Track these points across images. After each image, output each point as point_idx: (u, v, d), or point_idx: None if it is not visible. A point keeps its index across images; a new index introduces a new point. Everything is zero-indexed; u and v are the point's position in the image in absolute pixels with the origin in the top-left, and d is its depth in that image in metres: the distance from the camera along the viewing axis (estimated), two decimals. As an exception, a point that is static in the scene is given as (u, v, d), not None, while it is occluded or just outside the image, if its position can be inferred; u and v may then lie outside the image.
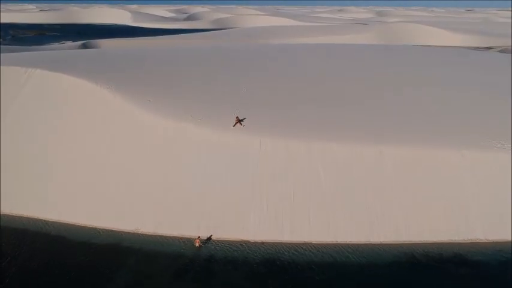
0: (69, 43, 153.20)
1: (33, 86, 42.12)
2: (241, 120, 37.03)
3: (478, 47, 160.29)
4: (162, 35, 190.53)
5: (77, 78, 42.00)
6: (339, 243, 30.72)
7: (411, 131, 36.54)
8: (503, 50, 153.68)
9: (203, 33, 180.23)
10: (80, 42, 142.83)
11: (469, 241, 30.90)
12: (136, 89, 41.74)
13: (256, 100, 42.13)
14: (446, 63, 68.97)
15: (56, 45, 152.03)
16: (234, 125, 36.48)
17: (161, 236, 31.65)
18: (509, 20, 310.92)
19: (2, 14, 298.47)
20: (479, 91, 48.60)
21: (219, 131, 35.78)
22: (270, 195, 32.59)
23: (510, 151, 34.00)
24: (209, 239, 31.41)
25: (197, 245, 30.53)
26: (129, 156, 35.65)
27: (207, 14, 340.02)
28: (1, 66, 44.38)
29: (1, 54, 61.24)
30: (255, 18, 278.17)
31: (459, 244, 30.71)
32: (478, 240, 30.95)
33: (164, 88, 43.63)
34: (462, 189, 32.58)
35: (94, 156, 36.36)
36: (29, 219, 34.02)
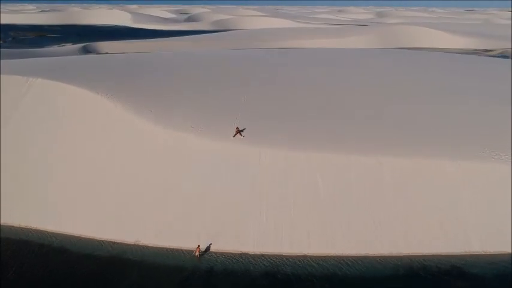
0: (69, 46, 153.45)
1: (34, 95, 42.36)
2: (241, 130, 37.26)
3: (477, 50, 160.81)
4: (163, 36, 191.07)
5: (78, 88, 42.25)
6: (338, 256, 30.93)
7: (409, 141, 36.76)
8: (502, 53, 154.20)
9: (203, 35, 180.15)
10: (80, 45, 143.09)
11: (466, 253, 31.11)
12: (137, 98, 42.00)
13: (256, 110, 42.36)
14: (445, 70, 69.29)
15: (56, 47, 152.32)
16: (234, 136, 36.72)
17: (161, 248, 31.83)
18: (509, 22, 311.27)
19: (2, 15, 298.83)
20: (479, 99, 48.84)
21: (220, 142, 36.02)
22: (269, 206, 32.84)
23: (509, 162, 34.16)
24: (209, 247, 31.67)
25: (197, 253, 30.80)
26: (129, 167, 35.90)
27: (207, 15, 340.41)
28: (2, 75, 44.56)
29: (2, 60, 61.49)
30: (255, 20, 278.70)
31: (456, 256, 30.91)
32: (475, 253, 31.15)
33: (164, 96, 43.86)
34: (459, 201, 32.81)
35: (94, 167, 36.60)
36: (28, 230, 34.20)
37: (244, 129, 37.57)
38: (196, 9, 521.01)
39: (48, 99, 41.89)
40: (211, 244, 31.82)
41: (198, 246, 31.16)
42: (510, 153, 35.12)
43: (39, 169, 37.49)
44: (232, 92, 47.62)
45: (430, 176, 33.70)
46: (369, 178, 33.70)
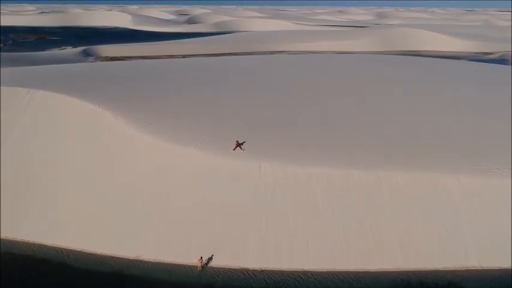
0: (70, 49, 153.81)
1: (36, 107, 42.67)
2: (241, 144, 37.52)
3: (477, 53, 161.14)
4: (163, 39, 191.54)
5: (79, 100, 42.57)
6: (337, 271, 31.20)
7: (407, 154, 36.98)
8: (502, 56, 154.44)
9: (203, 38, 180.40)
10: (80, 49, 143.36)
11: (464, 268, 31.36)
12: (137, 110, 42.33)
13: (256, 121, 42.60)
14: (445, 78, 69.47)
15: (56, 51, 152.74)
16: (234, 149, 37.00)
17: (162, 263, 32.12)
18: (509, 23, 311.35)
19: (2, 17, 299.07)
20: (479, 111, 48.94)
21: (220, 155, 36.30)
22: (269, 221, 33.12)
23: (508, 176, 34.40)
24: (211, 258, 32.04)
25: (199, 264, 31.20)
26: (130, 182, 36.17)
27: (208, 17, 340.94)
28: (5, 87, 44.87)
29: (2, 68, 61.78)
30: (255, 22, 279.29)
31: (454, 271, 31.17)
32: (473, 268, 31.41)
33: (165, 108, 44.19)
34: (458, 216, 33.06)
35: (95, 181, 36.88)
36: (29, 245, 34.50)
37: (244, 142, 37.83)
38: (196, 10, 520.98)
39: (49, 112, 42.23)
40: (213, 255, 32.18)
41: (201, 257, 31.55)
42: (508, 167, 35.37)
43: (40, 183, 37.77)
44: (232, 102, 47.90)
45: (428, 191, 33.93)
46: (368, 193, 33.95)
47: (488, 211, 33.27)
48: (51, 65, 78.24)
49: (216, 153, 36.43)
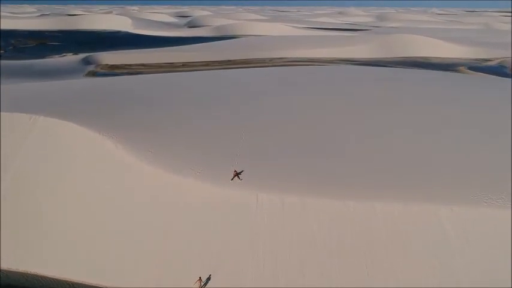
0: (70, 56, 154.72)
1: (37, 135, 43.38)
2: (239, 173, 38.23)
3: (477, 59, 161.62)
4: (164, 43, 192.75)
5: (80, 127, 43.30)
6: (332, 303, 31.91)
7: (402, 184, 37.56)
8: (501, 63, 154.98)
9: (203, 45, 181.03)
10: (81, 56, 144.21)
11: (457, 301, 32.00)
12: (136, 137, 43.01)
13: (254, 149, 43.20)
14: (441, 96, 69.78)
15: (57, 58, 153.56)
16: (232, 179, 37.69)
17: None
18: (509, 26, 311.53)
19: (2, 20, 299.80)
20: (476, 134, 49.07)
21: (218, 185, 36.96)
22: (266, 252, 33.78)
23: (501, 206, 34.93)
24: (209, 279, 32.96)
25: (197, 285, 32.04)
26: (129, 211, 36.86)
27: (209, 20, 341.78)
28: (7, 114, 45.60)
29: (3, 85, 62.55)
30: (256, 25, 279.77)
31: (447, 304, 31.83)
32: (466, 300, 32.04)
33: (164, 135, 44.82)
34: (452, 248, 33.62)
35: (95, 212, 37.59)
36: (28, 276, 35.15)
37: (242, 172, 38.54)
38: (196, 12, 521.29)
39: (51, 139, 42.94)
40: (210, 275, 33.03)
41: (200, 278, 32.41)
42: (501, 197, 35.95)
43: (40, 213, 38.48)
44: (231, 128, 48.43)
45: (422, 222, 34.56)
46: (363, 223, 34.59)
47: (483, 243, 33.78)
48: (51, 82, 78.71)
49: (214, 183, 37.10)
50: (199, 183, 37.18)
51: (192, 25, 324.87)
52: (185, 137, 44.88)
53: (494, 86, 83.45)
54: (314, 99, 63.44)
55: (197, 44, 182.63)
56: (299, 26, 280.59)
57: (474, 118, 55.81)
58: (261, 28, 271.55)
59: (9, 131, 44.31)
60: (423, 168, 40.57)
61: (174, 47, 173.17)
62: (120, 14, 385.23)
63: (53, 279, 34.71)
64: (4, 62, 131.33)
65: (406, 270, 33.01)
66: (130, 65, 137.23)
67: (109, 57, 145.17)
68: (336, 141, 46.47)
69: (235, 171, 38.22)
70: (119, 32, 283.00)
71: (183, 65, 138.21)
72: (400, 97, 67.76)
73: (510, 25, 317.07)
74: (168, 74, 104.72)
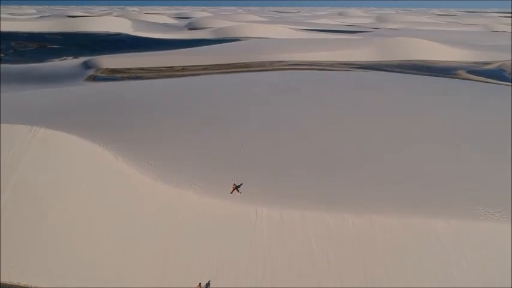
0: (70, 60, 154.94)
1: (37, 147, 43.67)
2: (238, 186, 38.51)
3: (477, 62, 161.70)
4: (165, 45, 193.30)
5: (80, 139, 43.60)
6: (330, 319, 32.17)
7: (399, 197, 37.81)
8: (500, 66, 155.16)
9: (204, 48, 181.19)
10: (80, 60, 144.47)
11: (454, 316, 32.25)
12: (137, 149, 43.31)
13: (253, 162, 43.47)
14: (439, 105, 70.06)
15: (57, 61, 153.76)
16: (231, 192, 37.96)
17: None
18: (509, 28, 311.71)
19: (3, 22, 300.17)
20: (476, 146, 49.24)
21: (217, 198, 37.23)
22: (266, 267, 34.02)
23: (498, 220, 35.19)
24: (208, 284, 33.33)
25: None
26: (128, 226, 37.10)
27: (209, 21, 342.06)
28: (8, 125, 45.92)
29: (3, 93, 62.84)
30: (256, 27, 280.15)
31: (445, 319, 32.08)
32: (463, 315, 32.30)
33: (164, 146, 45.13)
34: (450, 262, 33.88)
35: (95, 223, 37.83)
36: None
37: (241, 185, 38.81)
38: (196, 13, 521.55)
39: (51, 151, 43.19)
40: (210, 281, 33.33)
41: (199, 284, 32.78)
42: (499, 210, 36.21)
43: (41, 226, 38.74)
44: (230, 140, 48.67)
45: (420, 235, 34.81)
46: (362, 238, 34.86)
47: (484, 260, 33.95)
48: (51, 90, 78.92)
49: (213, 197, 37.37)
50: (198, 196, 37.43)
51: (192, 27, 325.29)
52: (185, 149, 45.15)
53: (493, 94, 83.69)
54: (314, 109, 63.77)
55: (197, 48, 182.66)
56: (299, 28, 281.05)
57: (472, 129, 56.23)
58: (261, 30, 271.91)
59: (9, 142, 44.60)
60: (420, 181, 40.87)
61: (174, 50, 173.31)
62: (120, 16, 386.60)
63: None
64: (4, 66, 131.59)
65: (404, 283, 33.27)
66: (130, 69, 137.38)
67: (109, 61, 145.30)
68: (335, 153, 46.73)
69: (234, 184, 38.49)
70: (119, 34, 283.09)
71: (183, 68, 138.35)
72: (396, 107, 68.11)
73: (510, 27, 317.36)
74: (168, 79, 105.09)
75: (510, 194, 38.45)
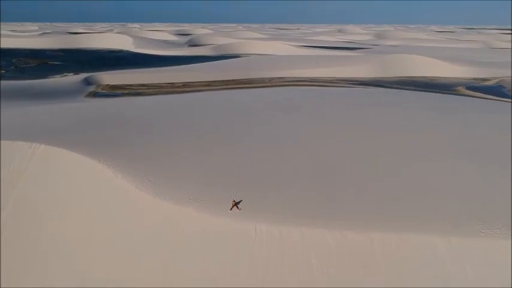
0: (71, 76, 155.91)
1: (37, 164, 43.81)
2: (238, 203, 38.50)
3: (475, 79, 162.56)
4: (165, 62, 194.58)
5: (80, 155, 43.76)
6: (330, 337, 31.99)
7: (400, 215, 37.79)
8: (499, 82, 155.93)
9: (204, 64, 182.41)
10: (81, 77, 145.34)
11: (455, 334, 32.06)
12: (136, 165, 43.44)
13: (252, 178, 43.53)
14: (439, 122, 70.29)
15: (58, 78, 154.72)
16: (231, 209, 37.95)
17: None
18: (508, 44, 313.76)
19: (3, 39, 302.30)
20: (475, 162, 49.19)
21: (217, 216, 37.23)
22: (264, 284, 33.93)
23: (496, 236, 35.14)
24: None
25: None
26: (127, 243, 37.06)
27: (209, 38, 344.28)
28: (7, 142, 46.13)
29: (3, 111, 63.15)
30: (256, 44, 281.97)
31: (446, 338, 31.89)
32: (464, 333, 32.12)
33: (163, 163, 45.22)
34: (448, 278, 33.79)
35: (95, 240, 37.79)
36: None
37: (240, 201, 38.82)
38: (197, 30, 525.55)
39: (51, 168, 43.31)
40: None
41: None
42: (499, 227, 36.19)
43: (41, 243, 38.70)
44: (230, 156, 48.81)
45: (419, 252, 34.75)
46: (360, 254, 34.80)
47: (480, 272, 33.95)
48: (52, 106, 79.27)
49: (213, 214, 37.34)
50: (198, 213, 37.44)
51: (192, 44, 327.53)
52: (185, 166, 45.24)
53: (493, 111, 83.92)
54: (314, 125, 63.97)
55: (197, 64, 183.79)
56: (299, 44, 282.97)
57: (472, 145, 56.11)
58: (261, 47, 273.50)
59: (9, 159, 44.74)
60: (420, 198, 40.89)
61: (175, 67, 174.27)
62: (122, 32, 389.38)
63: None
64: (5, 82, 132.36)
65: (404, 302, 33.23)
66: (131, 85, 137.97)
67: (109, 78, 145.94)
68: (336, 170, 46.78)
69: (233, 200, 38.49)
70: (120, 51, 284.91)
71: (183, 85, 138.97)
72: (396, 123, 68.08)
73: (509, 43, 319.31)
74: (169, 95, 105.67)
75: (510, 211, 38.45)
